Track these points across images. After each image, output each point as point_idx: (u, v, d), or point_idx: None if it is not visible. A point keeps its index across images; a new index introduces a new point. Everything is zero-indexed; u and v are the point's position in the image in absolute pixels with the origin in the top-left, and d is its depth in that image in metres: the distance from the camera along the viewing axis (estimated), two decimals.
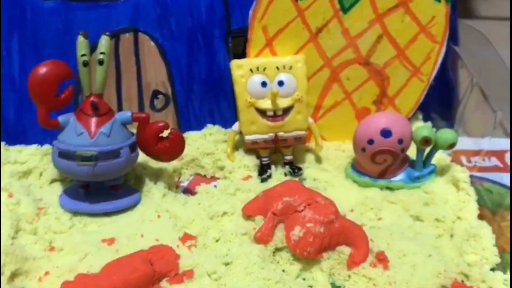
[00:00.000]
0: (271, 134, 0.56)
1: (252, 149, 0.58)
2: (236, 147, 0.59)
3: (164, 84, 0.60)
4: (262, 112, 0.55)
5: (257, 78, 0.55)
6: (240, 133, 0.58)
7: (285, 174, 0.58)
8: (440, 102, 0.66)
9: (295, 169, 0.58)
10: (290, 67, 0.55)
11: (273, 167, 0.58)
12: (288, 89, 0.55)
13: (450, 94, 0.66)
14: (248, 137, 0.56)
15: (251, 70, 0.55)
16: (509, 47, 0.67)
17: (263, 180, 0.57)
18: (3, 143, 0.59)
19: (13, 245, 0.46)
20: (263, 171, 0.57)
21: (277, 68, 0.55)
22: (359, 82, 0.60)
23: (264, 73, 0.55)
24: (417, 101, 0.62)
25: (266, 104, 0.55)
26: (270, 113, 0.55)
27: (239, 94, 0.56)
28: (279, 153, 0.59)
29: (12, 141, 0.59)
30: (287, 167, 0.58)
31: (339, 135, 0.62)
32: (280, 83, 0.55)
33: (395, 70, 0.61)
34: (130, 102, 0.60)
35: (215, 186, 0.56)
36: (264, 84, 0.55)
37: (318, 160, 0.60)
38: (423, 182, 0.56)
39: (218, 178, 0.59)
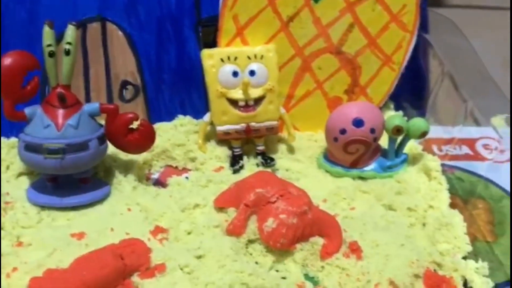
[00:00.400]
0: (243, 125, 0.55)
1: (223, 140, 0.58)
2: (207, 138, 0.59)
3: (133, 74, 0.60)
4: (233, 102, 0.55)
5: (228, 68, 0.55)
6: (212, 123, 0.57)
7: (257, 165, 0.58)
8: (411, 91, 0.66)
9: (267, 160, 0.57)
10: (262, 57, 0.55)
11: (245, 157, 0.58)
12: (260, 79, 0.55)
13: (421, 83, 0.67)
14: (219, 128, 0.56)
15: (222, 59, 0.55)
16: (480, 36, 0.68)
17: (235, 171, 0.56)
18: None
19: None
20: (235, 162, 0.57)
21: (249, 57, 0.55)
22: (330, 71, 0.60)
23: (235, 62, 0.55)
24: (389, 90, 0.63)
25: (237, 94, 0.55)
26: (241, 103, 0.55)
27: (210, 84, 0.55)
28: (251, 143, 0.59)
29: None
30: (259, 157, 0.58)
31: (311, 125, 0.62)
32: (252, 73, 0.55)
33: (366, 59, 0.61)
34: (99, 92, 0.59)
35: (186, 178, 0.56)
36: (235, 74, 0.55)
37: (291, 150, 0.60)
38: (395, 171, 0.57)
39: (189, 170, 0.58)
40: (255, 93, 0.55)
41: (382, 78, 0.62)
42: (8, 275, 0.44)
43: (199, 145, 0.58)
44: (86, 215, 0.50)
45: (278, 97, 0.56)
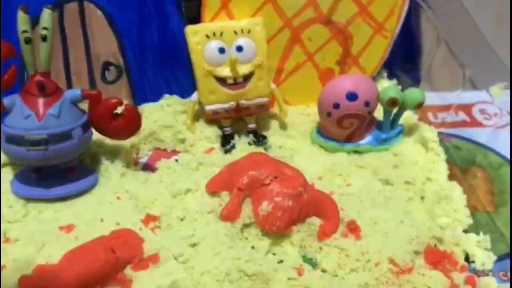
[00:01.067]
0: (232, 103, 0.54)
1: (213, 119, 0.56)
2: (196, 118, 0.58)
3: (115, 55, 0.58)
4: (221, 80, 0.53)
5: (214, 44, 0.53)
6: (200, 103, 0.56)
7: (249, 144, 0.56)
8: (405, 59, 0.65)
9: (259, 138, 0.56)
10: (249, 31, 0.53)
11: (236, 136, 0.57)
12: (248, 55, 0.53)
13: (415, 50, 0.65)
14: (208, 107, 0.54)
15: (207, 36, 0.53)
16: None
17: (226, 151, 0.55)
18: None
19: None
20: (226, 141, 0.56)
21: (235, 32, 0.53)
22: (321, 42, 0.59)
23: (221, 38, 0.53)
24: (382, 59, 0.62)
25: (225, 71, 0.53)
26: (230, 81, 0.53)
27: (196, 63, 0.53)
28: (242, 121, 0.58)
29: None
30: (250, 136, 0.56)
31: (303, 99, 0.61)
32: (239, 49, 0.53)
33: (357, 28, 0.59)
34: (80, 76, 0.58)
35: (176, 160, 0.55)
36: (222, 50, 0.53)
37: (283, 126, 0.59)
38: (391, 144, 0.56)
39: (179, 152, 0.57)
40: (243, 69, 0.53)
41: (375, 47, 0.60)
42: None
43: (188, 126, 0.56)
44: (74, 206, 0.49)
45: (268, 72, 0.55)
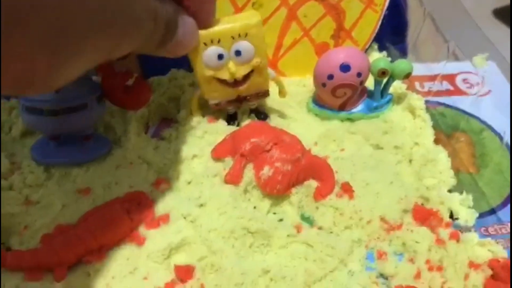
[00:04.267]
0: (234, 96, 0.52)
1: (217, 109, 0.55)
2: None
3: None
4: (222, 81, 0.51)
5: (213, 52, 0.49)
6: None
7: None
8: (393, 32, 0.64)
9: (261, 115, 0.55)
10: (246, 35, 0.49)
11: (239, 115, 0.56)
12: (246, 57, 0.49)
13: (403, 24, 0.65)
14: (211, 101, 0.53)
15: (205, 43, 0.48)
16: None
17: (230, 124, 0.54)
18: None
19: None
20: (230, 120, 0.55)
21: (232, 37, 0.48)
22: (316, 18, 0.58)
23: (219, 44, 0.48)
24: (373, 32, 0.61)
25: (225, 75, 0.50)
26: (230, 81, 0.51)
27: (196, 68, 0.50)
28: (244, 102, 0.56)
29: None
30: (252, 114, 0.55)
31: (301, 71, 0.60)
32: (238, 53, 0.49)
33: (349, 4, 0.59)
34: None
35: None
36: (220, 56, 0.49)
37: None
38: (381, 111, 0.56)
39: (185, 122, 0.56)
40: (242, 71, 0.50)
41: (366, 21, 0.60)
42: (20, 234, 0.44)
43: (193, 115, 0.55)
44: (90, 171, 0.49)
45: (266, 68, 0.52)
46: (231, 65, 0.49)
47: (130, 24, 0.33)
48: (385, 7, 0.60)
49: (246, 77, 0.51)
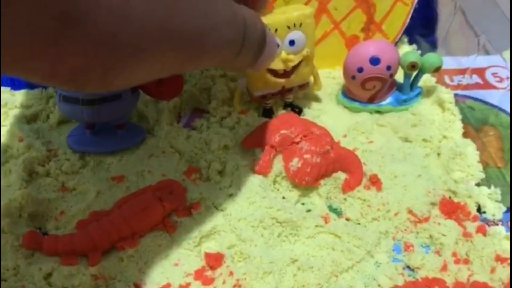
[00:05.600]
0: (279, 88, 0.52)
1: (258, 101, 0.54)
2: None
3: None
4: (272, 71, 0.50)
5: None
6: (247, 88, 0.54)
7: None
8: (424, 25, 0.63)
9: (296, 110, 0.55)
10: (300, 25, 0.49)
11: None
12: (298, 47, 0.49)
13: (433, 17, 0.63)
14: (256, 93, 0.52)
15: None
16: None
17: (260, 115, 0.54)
18: (8, 89, 0.57)
19: (28, 188, 0.45)
20: (266, 114, 0.54)
21: (288, 27, 0.48)
22: (346, 11, 0.58)
23: (275, 34, 0.48)
24: (403, 25, 0.60)
25: (278, 65, 0.49)
26: (280, 72, 0.51)
27: None
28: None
29: (17, 86, 0.57)
30: (288, 108, 0.55)
31: (330, 64, 0.60)
32: (291, 43, 0.49)
33: None
34: None
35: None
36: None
37: (311, 87, 0.58)
38: (410, 104, 0.55)
39: (216, 112, 0.56)
40: (294, 61, 0.50)
41: (396, 14, 0.59)
42: (56, 219, 0.45)
43: (237, 110, 0.54)
44: (124, 159, 0.50)
45: (313, 58, 0.52)
46: (284, 54, 0.49)
47: (207, 45, 0.31)
48: (416, 0, 0.59)
49: (294, 67, 0.50)
